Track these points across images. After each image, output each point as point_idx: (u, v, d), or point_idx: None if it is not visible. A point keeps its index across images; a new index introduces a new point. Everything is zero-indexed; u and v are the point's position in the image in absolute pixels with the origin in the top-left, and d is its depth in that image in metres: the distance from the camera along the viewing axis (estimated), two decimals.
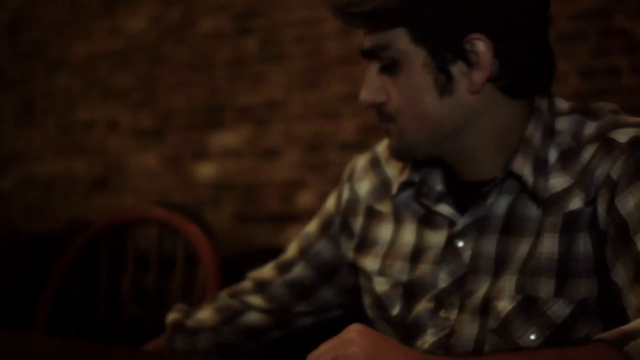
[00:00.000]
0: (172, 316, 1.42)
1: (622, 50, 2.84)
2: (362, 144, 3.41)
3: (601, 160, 1.06)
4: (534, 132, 1.12)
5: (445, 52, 1.08)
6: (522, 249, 1.09)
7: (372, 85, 1.14)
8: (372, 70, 1.14)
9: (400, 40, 1.09)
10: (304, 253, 1.36)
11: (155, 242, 1.80)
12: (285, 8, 3.66)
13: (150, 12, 4.10)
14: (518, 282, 1.08)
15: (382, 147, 1.33)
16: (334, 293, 1.36)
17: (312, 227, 1.37)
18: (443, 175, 1.20)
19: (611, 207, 1.03)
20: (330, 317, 1.39)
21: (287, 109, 3.70)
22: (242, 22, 3.80)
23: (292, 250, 1.38)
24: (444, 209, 1.17)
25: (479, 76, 1.09)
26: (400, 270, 1.21)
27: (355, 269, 1.31)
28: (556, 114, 1.14)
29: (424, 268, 1.18)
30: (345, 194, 1.33)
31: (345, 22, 1.12)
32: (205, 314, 1.40)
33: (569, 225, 1.07)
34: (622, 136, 1.07)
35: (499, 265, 1.11)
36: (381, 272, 1.23)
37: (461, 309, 1.12)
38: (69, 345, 1.36)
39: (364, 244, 1.28)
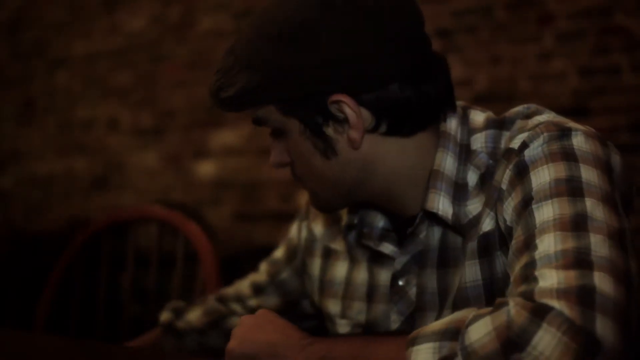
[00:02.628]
0: (164, 316, 1.45)
1: (622, 48, 2.84)
2: None
3: (502, 174, 1.03)
4: (442, 160, 1.08)
5: (315, 118, 1.07)
6: (455, 280, 1.08)
7: (276, 149, 1.14)
8: (270, 137, 1.15)
9: (272, 114, 1.09)
10: (273, 278, 1.39)
11: (155, 240, 1.80)
12: None
13: (150, 10, 4.10)
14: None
15: None
16: (299, 316, 1.40)
17: (279, 253, 1.40)
18: (381, 212, 1.18)
19: (503, 219, 1.01)
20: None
21: None
22: (242, 21, 3.80)
23: (263, 272, 1.42)
24: (386, 247, 1.15)
25: (354, 133, 1.06)
26: (358, 311, 1.21)
27: (318, 309, 1.33)
28: (470, 130, 1.10)
29: (378, 308, 1.18)
30: (304, 233, 1.34)
31: (219, 107, 1.13)
32: (193, 316, 1.43)
33: (485, 248, 1.04)
34: (516, 143, 1.02)
35: (443, 299, 1.09)
36: (342, 315, 1.23)
37: None
38: (69, 344, 1.36)
39: (324, 286, 1.28)
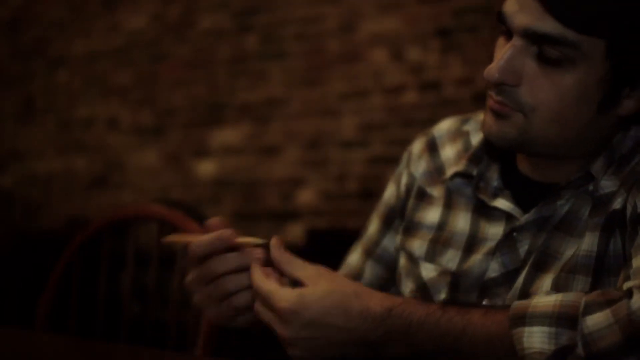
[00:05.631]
0: None
1: None
2: (361, 142, 3.41)
3: None
4: (619, 140, 1.08)
5: (629, 74, 1.03)
6: (569, 247, 1.07)
7: (512, 65, 1.03)
8: (519, 49, 1.03)
9: (592, 45, 1.00)
10: (369, 255, 1.30)
11: (155, 239, 1.80)
12: (286, 5, 3.65)
13: (150, 9, 4.10)
14: (555, 279, 1.06)
15: (439, 131, 1.28)
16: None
17: (373, 228, 1.31)
18: (500, 171, 1.16)
19: (635, 204, 1.00)
20: None
21: (287, 106, 3.70)
22: (242, 20, 3.80)
23: (355, 257, 1.32)
24: (503, 203, 1.13)
25: (635, 105, 1.04)
26: (450, 259, 1.17)
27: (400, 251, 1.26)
28: None
29: (476, 258, 1.14)
30: (404, 180, 1.28)
31: (560, 18, 1.01)
32: None
33: (610, 224, 1.04)
34: None
35: (540, 260, 1.08)
36: (429, 258, 1.19)
37: (505, 302, 1.09)
38: (70, 342, 1.37)
39: (411, 226, 1.24)
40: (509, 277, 1.11)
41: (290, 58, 3.68)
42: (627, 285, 0.91)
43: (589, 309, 0.84)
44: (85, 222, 3.56)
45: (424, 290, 1.18)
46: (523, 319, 0.85)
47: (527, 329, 0.84)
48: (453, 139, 1.26)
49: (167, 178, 4.01)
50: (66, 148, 4.37)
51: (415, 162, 1.27)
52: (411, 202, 1.25)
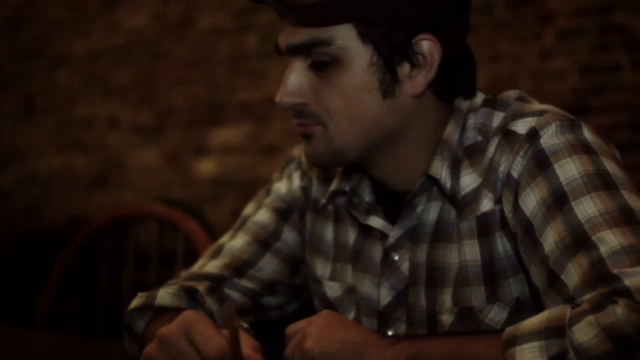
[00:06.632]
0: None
1: (622, 47, 2.84)
2: None
3: (502, 155, 1.02)
4: (452, 132, 1.07)
5: (394, 51, 1.02)
6: (453, 256, 1.06)
7: (295, 85, 1.04)
8: (296, 67, 1.05)
9: (345, 36, 1.01)
10: (266, 245, 1.24)
11: (155, 238, 1.80)
12: None
13: (150, 8, 4.10)
14: (454, 294, 1.06)
15: None
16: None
17: (263, 216, 1.25)
18: (371, 185, 1.15)
19: (516, 208, 0.99)
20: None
21: None
22: (242, 19, 3.80)
23: (242, 243, 1.24)
24: (375, 221, 1.12)
25: (422, 78, 1.04)
26: (350, 275, 1.16)
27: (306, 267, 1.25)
28: (469, 110, 1.09)
29: (365, 283, 1.14)
30: (297, 182, 1.26)
31: (285, 14, 1.05)
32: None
33: (484, 228, 1.03)
34: (521, 127, 1.02)
35: (432, 275, 1.08)
36: (332, 277, 1.19)
37: (409, 323, 1.10)
38: (70, 342, 1.37)
39: (313, 241, 1.23)
40: (400, 297, 1.10)
41: None
42: (576, 291, 0.90)
43: (575, 320, 0.83)
44: (85, 222, 3.56)
45: (331, 309, 1.15)
46: (514, 340, 0.85)
47: (518, 347, 0.84)
48: None
49: (167, 177, 4.01)
50: (66, 148, 4.37)
51: (308, 167, 1.26)
52: (310, 213, 1.24)
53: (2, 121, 4.63)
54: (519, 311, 1.03)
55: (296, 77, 1.05)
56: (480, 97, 1.11)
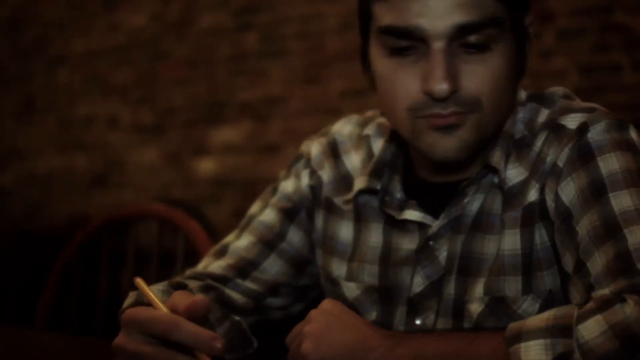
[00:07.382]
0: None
1: (622, 46, 2.84)
2: None
3: (550, 148, 1.03)
4: (510, 125, 1.08)
5: (524, 30, 1.05)
6: (491, 247, 1.06)
7: (449, 71, 0.99)
8: (444, 52, 0.99)
9: (502, 14, 1.00)
10: (271, 246, 1.22)
11: (155, 238, 1.80)
12: (286, 3, 3.65)
13: (150, 8, 4.10)
14: (486, 283, 1.05)
15: (341, 135, 1.24)
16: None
17: (269, 216, 1.23)
18: (402, 181, 1.15)
19: (556, 196, 1.00)
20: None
21: (287, 104, 3.70)
22: (242, 18, 3.80)
23: (247, 243, 1.22)
24: (412, 214, 1.10)
25: (529, 59, 1.07)
26: (370, 274, 1.15)
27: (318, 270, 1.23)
28: (517, 103, 1.10)
29: (397, 273, 1.13)
30: (306, 180, 1.23)
31: None
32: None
33: (528, 218, 1.04)
34: (571, 122, 1.03)
35: (467, 265, 1.07)
36: (349, 277, 1.17)
37: (438, 313, 1.09)
38: (70, 341, 1.37)
39: (326, 242, 1.21)
40: (434, 287, 1.10)
41: (290, 56, 3.68)
42: (598, 279, 0.91)
43: (582, 318, 0.83)
44: (85, 221, 3.56)
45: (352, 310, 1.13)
46: (519, 336, 0.85)
47: (523, 344, 0.84)
48: (356, 146, 1.22)
49: (167, 177, 4.01)
50: (66, 147, 4.37)
51: (317, 165, 1.23)
52: (321, 212, 1.22)
53: (2, 121, 4.63)
54: (550, 303, 1.03)
55: (450, 62, 0.99)
56: (522, 93, 1.11)
